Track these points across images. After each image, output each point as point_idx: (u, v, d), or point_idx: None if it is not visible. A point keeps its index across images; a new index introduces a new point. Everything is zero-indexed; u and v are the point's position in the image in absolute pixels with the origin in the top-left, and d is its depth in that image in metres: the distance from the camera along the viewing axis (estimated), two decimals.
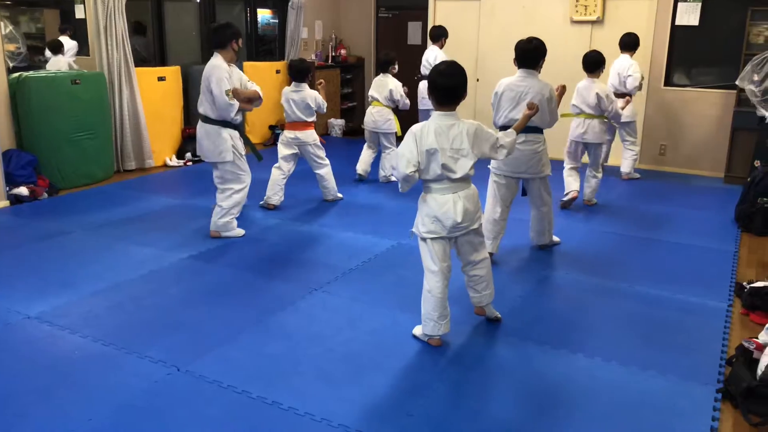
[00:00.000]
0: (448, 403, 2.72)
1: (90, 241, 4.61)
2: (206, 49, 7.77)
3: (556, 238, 4.68)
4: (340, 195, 5.75)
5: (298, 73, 5.37)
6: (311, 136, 5.44)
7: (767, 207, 5.04)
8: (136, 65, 6.57)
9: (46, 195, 5.64)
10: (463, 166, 3.01)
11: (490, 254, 4.15)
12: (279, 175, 5.46)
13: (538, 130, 4.23)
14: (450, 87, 2.97)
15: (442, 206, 3.02)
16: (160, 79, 6.91)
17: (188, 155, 7.13)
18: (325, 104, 5.51)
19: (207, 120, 4.48)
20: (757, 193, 5.12)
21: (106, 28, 6.25)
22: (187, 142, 7.21)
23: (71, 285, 3.82)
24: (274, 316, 3.48)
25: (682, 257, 4.52)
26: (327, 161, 5.58)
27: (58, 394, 2.72)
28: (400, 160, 3.00)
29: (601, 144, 5.57)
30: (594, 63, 5.32)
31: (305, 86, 5.37)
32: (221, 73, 4.39)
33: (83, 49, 6.78)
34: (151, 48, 7.19)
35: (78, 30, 6.79)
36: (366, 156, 6.50)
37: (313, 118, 5.45)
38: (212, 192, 4.90)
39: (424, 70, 7.19)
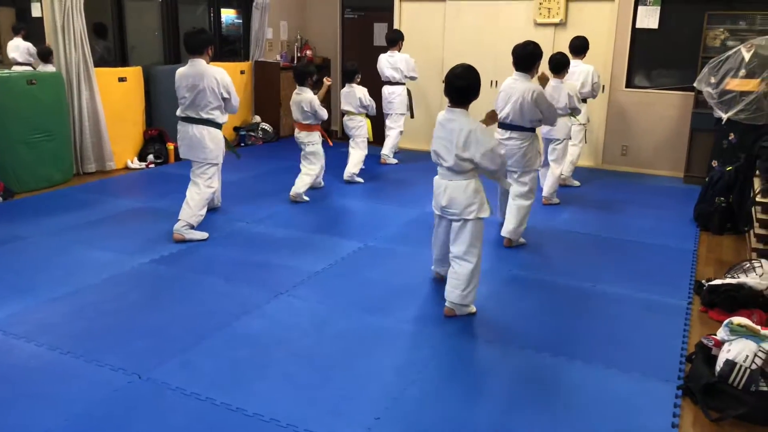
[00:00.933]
0: (415, 405, 2.71)
1: (48, 246, 4.47)
2: (169, 50, 7.64)
3: (522, 239, 4.73)
4: (306, 198, 5.73)
5: (297, 76, 5.70)
6: (308, 137, 5.72)
7: (725, 207, 5.17)
8: (96, 66, 6.42)
9: (1, 199, 5.47)
10: (452, 157, 3.33)
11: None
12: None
13: (525, 129, 4.53)
14: (461, 87, 3.34)
15: (437, 188, 3.51)
16: (121, 79, 6.77)
17: (150, 157, 6.99)
18: (323, 111, 5.67)
19: (209, 123, 4.62)
20: (715, 193, 5.25)
21: (63, 28, 6.09)
22: (149, 144, 7.07)
23: (28, 291, 3.71)
24: (238, 320, 3.43)
25: (643, 256, 4.60)
26: (315, 167, 5.77)
27: (13, 406, 2.62)
28: None
29: (566, 140, 5.77)
30: (561, 65, 5.55)
31: (306, 89, 5.64)
32: (230, 79, 4.68)
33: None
34: (111, 48, 7.03)
35: (34, 29, 6.59)
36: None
37: (309, 121, 5.67)
38: (175, 194, 4.83)
39: (398, 74, 7.21)
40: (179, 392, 2.74)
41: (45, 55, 6.31)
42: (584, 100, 6.31)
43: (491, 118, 3.69)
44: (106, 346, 3.10)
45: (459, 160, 3.32)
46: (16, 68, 6.34)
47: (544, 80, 5.01)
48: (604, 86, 7.26)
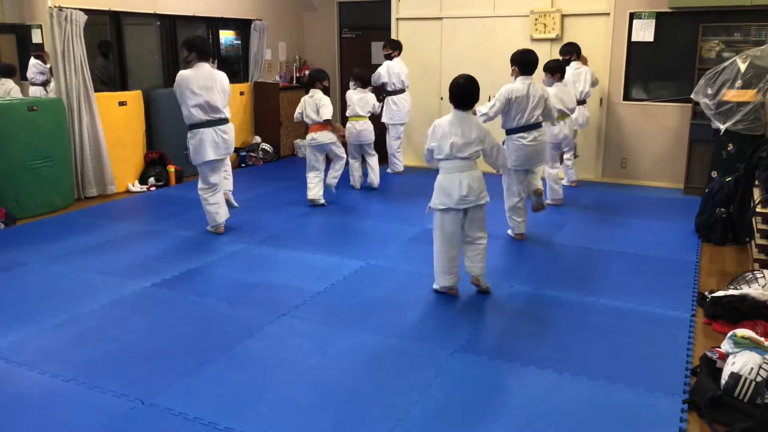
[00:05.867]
0: (420, 426, 2.69)
1: (49, 271, 4.48)
2: (168, 73, 7.69)
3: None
4: (322, 201, 6.21)
5: (310, 80, 6.33)
6: (326, 136, 6.13)
7: (725, 217, 5.16)
8: (96, 90, 6.47)
9: (2, 225, 5.48)
10: (469, 149, 3.86)
11: (520, 235, 5.20)
12: (313, 175, 6.21)
13: (541, 125, 5.07)
14: (466, 95, 3.90)
15: (451, 182, 3.85)
16: (122, 104, 6.81)
17: (151, 180, 7.02)
18: (329, 109, 6.16)
19: (227, 121, 5.16)
20: (715, 204, 5.24)
21: (64, 53, 6.15)
22: (150, 167, 7.10)
23: (29, 318, 3.70)
24: (241, 343, 3.42)
25: (645, 269, 4.59)
26: (343, 157, 6.36)
27: None
28: (426, 143, 4.02)
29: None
30: (558, 69, 6.07)
31: (317, 92, 6.14)
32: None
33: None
34: (111, 71, 7.08)
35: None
36: (357, 168, 7.01)
37: (322, 119, 6.09)
38: (176, 217, 4.84)
39: (392, 86, 7.53)
40: (182, 417, 2.73)
41: (6, 71, 6.46)
42: (583, 102, 6.73)
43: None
44: (108, 372, 3.09)
45: (474, 152, 3.88)
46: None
47: None
48: (602, 99, 7.30)
